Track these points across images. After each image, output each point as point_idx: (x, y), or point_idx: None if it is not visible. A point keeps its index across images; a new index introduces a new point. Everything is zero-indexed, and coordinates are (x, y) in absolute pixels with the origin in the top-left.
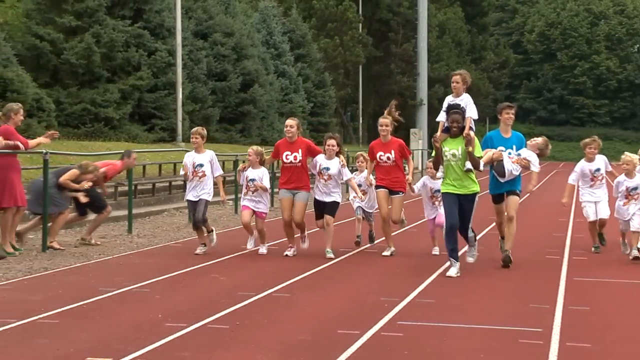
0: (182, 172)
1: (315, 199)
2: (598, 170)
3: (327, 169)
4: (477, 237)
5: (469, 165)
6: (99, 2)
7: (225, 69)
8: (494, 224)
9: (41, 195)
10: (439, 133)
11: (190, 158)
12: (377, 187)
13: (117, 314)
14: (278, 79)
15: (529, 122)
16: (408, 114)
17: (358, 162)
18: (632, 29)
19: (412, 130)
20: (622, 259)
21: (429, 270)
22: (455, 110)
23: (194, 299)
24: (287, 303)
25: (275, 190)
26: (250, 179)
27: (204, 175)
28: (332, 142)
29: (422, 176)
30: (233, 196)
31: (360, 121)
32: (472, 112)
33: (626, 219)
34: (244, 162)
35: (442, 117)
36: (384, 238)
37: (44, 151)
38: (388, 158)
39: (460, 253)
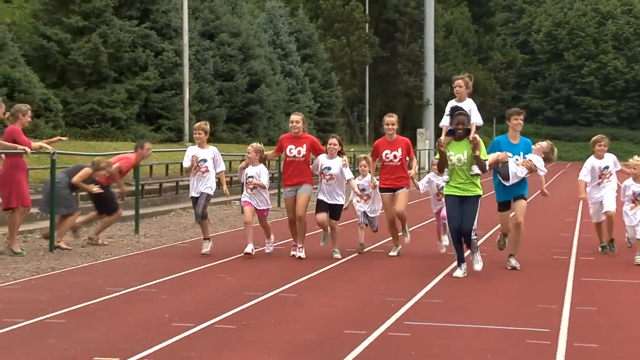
0: (185, 164)
1: (318, 198)
2: (607, 168)
3: (329, 168)
4: (483, 239)
5: (476, 170)
6: (106, 2)
7: (232, 69)
8: (500, 225)
9: (57, 196)
10: (443, 137)
11: (194, 153)
12: (381, 190)
13: (124, 313)
14: (285, 79)
15: (536, 122)
16: (415, 114)
17: (361, 166)
18: (639, 29)
19: (418, 130)
20: (629, 260)
21: (436, 270)
22: (460, 112)
23: (200, 299)
24: (294, 303)
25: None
26: (249, 176)
27: (207, 170)
28: (334, 141)
29: (430, 172)
30: (239, 196)
31: (367, 121)
32: (477, 119)
33: (633, 225)
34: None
35: (445, 121)
36: (390, 238)
37: (52, 151)
38: (395, 156)
39: (466, 254)
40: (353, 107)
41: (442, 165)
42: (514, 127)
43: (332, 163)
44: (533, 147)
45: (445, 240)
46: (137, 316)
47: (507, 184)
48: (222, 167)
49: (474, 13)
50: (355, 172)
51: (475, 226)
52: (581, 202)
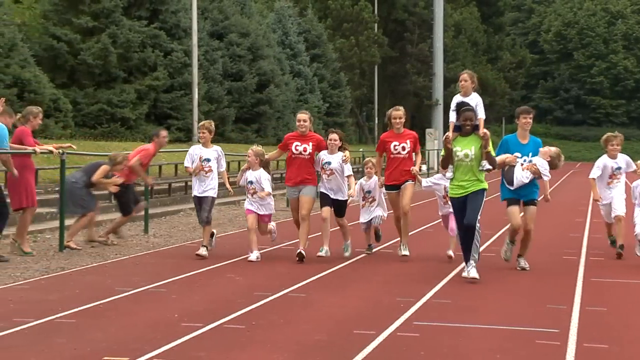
0: (187, 163)
1: (320, 191)
2: (619, 168)
3: (329, 163)
4: (492, 239)
5: (487, 165)
6: (116, 2)
7: (241, 69)
8: (509, 225)
9: (73, 196)
10: (450, 133)
11: (197, 152)
12: (387, 187)
13: (133, 313)
14: (294, 79)
15: (546, 122)
16: (424, 114)
17: (367, 168)
18: None
19: (427, 130)
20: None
21: (445, 271)
22: (467, 108)
23: (210, 299)
24: (303, 303)
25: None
26: (249, 181)
27: (210, 170)
28: (334, 136)
29: (437, 173)
30: (244, 197)
31: (376, 121)
32: (482, 113)
33: None
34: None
35: (452, 117)
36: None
37: (61, 151)
38: (403, 148)
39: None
40: (362, 107)
41: (446, 161)
42: (523, 126)
43: (332, 158)
44: (540, 150)
45: (451, 252)
46: (147, 316)
47: (512, 188)
48: (223, 166)
49: (483, 13)
50: (357, 174)
51: (478, 224)
52: (592, 202)
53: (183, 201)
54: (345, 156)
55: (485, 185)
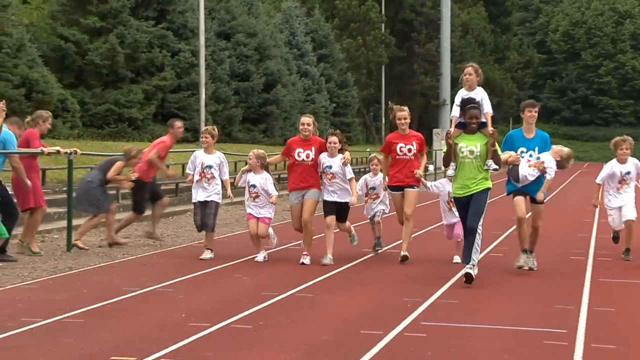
0: (189, 170)
1: (323, 199)
2: (628, 173)
3: (330, 167)
4: (500, 238)
5: (493, 165)
6: (123, 3)
7: (248, 69)
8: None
9: (89, 195)
10: (452, 129)
11: (199, 159)
12: (391, 188)
13: (141, 313)
14: (301, 79)
15: (553, 122)
16: (431, 114)
17: (372, 165)
18: None
19: (434, 130)
20: None
21: (452, 271)
22: (472, 105)
23: (217, 299)
24: (310, 303)
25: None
26: (252, 185)
27: (212, 177)
28: (334, 138)
29: (444, 177)
30: (243, 198)
31: (383, 121)
32: (489, 108)
33: None
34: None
35: (455, 112)
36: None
37: (69, 151)
38: (409, 150)
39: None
40: (369, 107)
41: (447, 158)
42: (528, 119)
43: (333, 161)
44: (553, 146)
45: (457, 258)
46: (154, 316)
47: (519, 186)
48: (226, 174)
49: (491, 13)
50: (358, 173)
51: (480, 227)
52: (599, 202)
53: (190, 201)
54: (344, 158)
55: (489, 184)
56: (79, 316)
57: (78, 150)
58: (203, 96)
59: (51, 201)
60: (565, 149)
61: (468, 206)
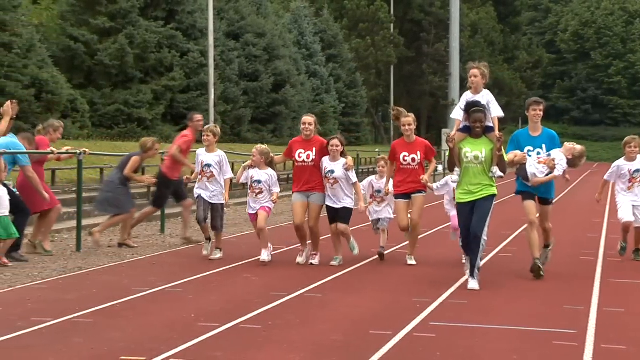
0: (197, 168)
1: (327, 205)
2: (637, 171)
3: (332, 172)
4: (510, 239)
5: (499, 172)
6: (133, 3)
7: (257, 69)
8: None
9: (109, 195)
10: (454, 132)
11: (200, 157)
12: (396, 196)
13: (150, 313)
14: (309, 79)
15: (563, 122)
16: (440, 115)
17: (379, 167)
18: None
19: (443, 130)
20: None
21: (461, 272)
22: (477, 108)
23: (226, 299)
24: (319, 303)
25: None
26: (256, 180)
27: (212, 176)
28: (335, 142)
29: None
30: (242, 199)
31: (392, 121)
32: (497, 111)
33: None
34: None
35: (457, 114)
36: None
37: (78, 152)
38: (413, 160)
39: (482, 262)
40: (378, 107)
41: (452, 162)
42: (533, 118)
43: (335, 166)
44: (565, 144)
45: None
46: (163, 316)
47: (529, 185)
48: (229, 174)
49: (500, 13)
50: (367, 174)
51: (485, 234)
52: (609, 202)
53: None
54: (347, 164)
55: (494, 190)
56: (89, 316)
57: (87, 150)
58: (212, 96)
59: (61, 201)
60: (578, 147)
61: (470, 213)
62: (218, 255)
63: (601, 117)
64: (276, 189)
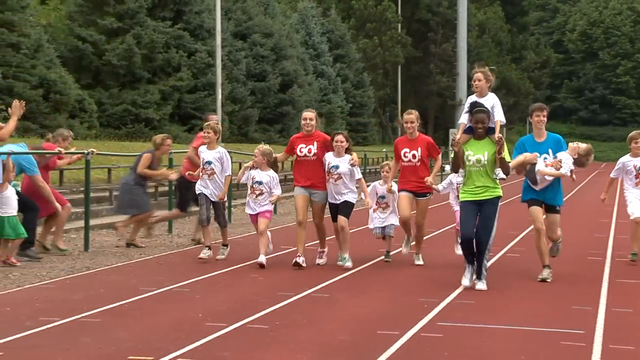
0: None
1: (329, 202)
2: None
3: (336, 167)
4: (517, 239)
5: (501, 174)
6: (140, 3)
7: (264, 69)
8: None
9: (127, 197)
10: (458, 135)
11: (202, 154)
12: (400, 190)
13: (158, 313)
14: (317, 79)
15: (570, 122)
16: (447, 115)
17: (383, 172)
18: None
19: (451, 130)
20: None
21: None
22: (480, 109)
23: (233, 299)
24: (327, 303)
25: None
26: (257, 181)
27: (213, 173)
28: (340, 137)
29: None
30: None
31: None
32: (499, 116)
33: None
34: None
35: (464, 118)
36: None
37: (86, 151)
38: (414, 156)
39: (490, 262)
40: (385, 107)
41: (456, 165)
42: (536, 124)
43: (340, 162)
44: (570, 144)
45: (459, 249)
46: (171, 316)
47: (537, 189)
48: (228, 172)
49: (507, 12)
50: (374, 175)
51: (492, 240)
52: (617, 202)
53: None
54: (353, 159)
55: (499, 192)
56: (97, 316)
57: (95, 150)
58: (219, 96)
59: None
60: (583, 145)
61: (475, 211)
62: (226, 252)
63: (609, 117)
64: (277, 191)
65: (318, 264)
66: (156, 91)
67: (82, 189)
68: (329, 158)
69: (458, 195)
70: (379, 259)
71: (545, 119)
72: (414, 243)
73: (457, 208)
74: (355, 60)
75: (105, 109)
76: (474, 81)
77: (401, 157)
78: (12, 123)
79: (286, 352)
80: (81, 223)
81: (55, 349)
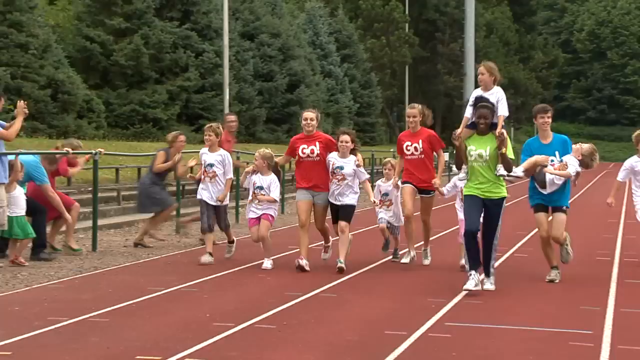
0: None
1: (329, 202)
2: None
3: (341, 168)
4: (525, 239)
5: (502, 170)
6: (148, 4)
7: (271, 69)
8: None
9: (146, 197)
10: (460, 129)
11: (203, 157)
12: (403, 182)
13: (165, 313)
14: (324, 79)
15: (578, 122)
16: (455, 115)
17: (386, 169)
18: None
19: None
20: None
21: None
22: (483, 104)
23: (241, 299)
24: (334, 303)
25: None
26: (258, 187)
27: (215, 175)
28: (346, 137)
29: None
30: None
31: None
32: (503, 110)
33: None
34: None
35: (468, 112)
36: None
37: (94, 151)
38: (416, 149)
39: (497, 262)
40: (393, 108)
41: (458, 160)
42: (541, 126)
43: (345, 162)
44: (573, 146)
45: (464, 259)
46: (179, 315)
47: (545, 192)
48: (230, 174)
49: (515, 12)
50: (375, 175)
51: (497, 241)
52: (625, 202)
53: None
54: (357, 161)
55: (504, 192)
56: (105, 315)
57: (102, 150)
58: (227, 96)
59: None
60: (585, 145)
61: (479, 203)
62: (232, 250)
63: (617, 117)
64: (274, 194)
65: (324, 259)
66: (164, 91)
67: (90, 189)
68: (333, 158)
69: (462, 202)
70: (386, 259)
71: (550, 120)
72: (420, 243)
73: (462, 216)
74: (362, 60)
75: (113, 109)
76: (478, 74)
77: (404, 150)
78: (18, 123)
79: (294, 352)
80: (89, 223)
81: (63, 349)
